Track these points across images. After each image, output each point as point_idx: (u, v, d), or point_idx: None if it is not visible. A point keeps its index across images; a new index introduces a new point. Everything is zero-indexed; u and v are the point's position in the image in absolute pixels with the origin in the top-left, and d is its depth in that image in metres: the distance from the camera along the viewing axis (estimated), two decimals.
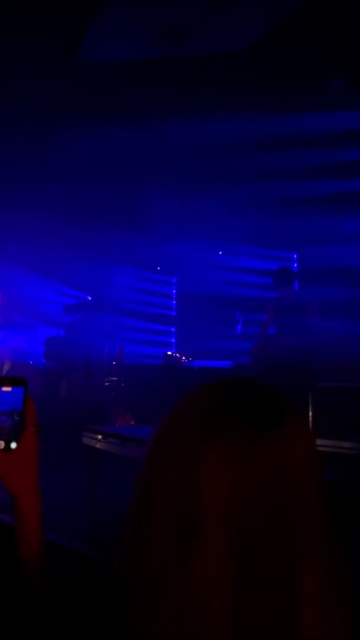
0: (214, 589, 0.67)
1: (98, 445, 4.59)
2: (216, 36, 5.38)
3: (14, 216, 7.50)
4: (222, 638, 0.66)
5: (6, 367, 7.92)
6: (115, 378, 7.59)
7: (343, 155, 6.91)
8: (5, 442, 0.98)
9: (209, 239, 8.61)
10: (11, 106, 6.07)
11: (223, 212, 7.81)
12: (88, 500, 4.43)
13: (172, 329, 9.66)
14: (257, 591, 0.67)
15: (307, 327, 5.99)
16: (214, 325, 8.23)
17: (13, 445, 0.98)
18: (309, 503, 0.71)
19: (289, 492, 0.70)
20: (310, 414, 4.83)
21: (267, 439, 0.72)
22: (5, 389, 1.01)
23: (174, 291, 9.82)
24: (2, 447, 0.98)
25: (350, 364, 5.74)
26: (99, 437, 4.60)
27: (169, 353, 8.29)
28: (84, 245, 8.25)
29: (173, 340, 9.61)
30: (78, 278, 8.99)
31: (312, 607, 0.68)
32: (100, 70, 5.81)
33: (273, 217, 7.61)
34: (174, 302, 9.82)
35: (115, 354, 7.89)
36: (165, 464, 0.75)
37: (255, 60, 5.61)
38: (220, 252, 9.01)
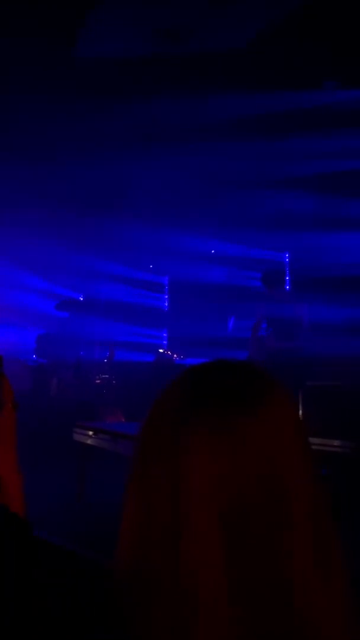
0: (205, 565, 0.67)
1: (89, 442, 4.59)
2: (215, 35, 5.38)
3: (4, 214, 7.47)
4: (216, 617, 0.66)
5: None
6: (107, 375, 7.58)
7: (340, 159, 6.92)
8: None
9: (203, 238, 8.61)
10: (8, 105, 6.05)
11: (218, 213, 7.81)
12: (79, 496, 4.43)
13: (164, 327, 9.66)
14: (248, 564, 0.68)
15: (297, 328, 6.00)
16: (206, 323, 8.23)
17: None
18: (295, 473, 0.71)
19: (273, 464, 0.70)
20: (301, 412, 4.85)
21: (247, 414, 0.72)
22: None
23: (166, 289, 9.82)
24: None
25: (340, 364, 5.76)
26: (90, 433, 4.60)
27: (161, 351, 8.29)
28: (75, 243, 8.22)
29: (165, 338, 9.61)
30: (69, 276, 8.97)
31: (304, 578, 0.68)
32: (99, 67, 5.79)
33: (266, 217, 7.61)
34: (166, 300, 9.82)
35: (106, 352, 7.88)
36: (151, 447, 0.75)
37: (253, 59, 5.61)
38: (213, 251, 9.02)
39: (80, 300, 9.19)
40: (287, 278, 7.69)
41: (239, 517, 0.68)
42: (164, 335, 9.62)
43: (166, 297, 9.83)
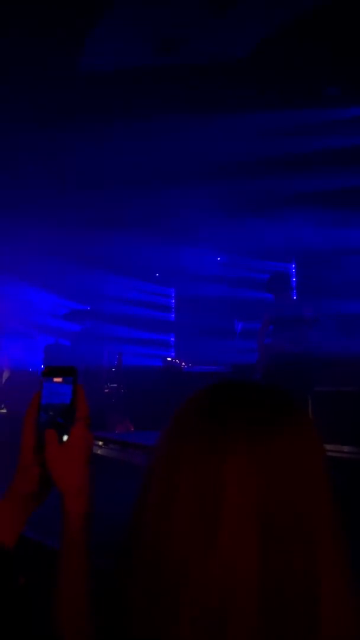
0: (241, 562, 0.69)
1: (99, 452, 4.59)
2: (215, 44, 5.40)
3: (11, 226, 7.51)
4: (246, 614, 0.68)
5: (5, 375, 7.92)
6: (115, 384, 7.59)
7: (343, 163, 6.92)
8: (57, 435, 0.94)
9: (209, 246, 8.62)
10: (11, 116, 6.09)
11: (223, 219, 7.82)
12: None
13: (172, 335, 9.66)
14: (279, 574, 0.70)
15: (304, 333, 5.98)
16: (213, 330, 8.23)
17: (64, 438, 0.94)
18: (322, 493, 0.75)
19: (306, 484, 0.73)
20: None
21: (288, 434, 0.75)
22: (56, 380, 0.98)
23: (173, 298, 9.83)
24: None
25: (349, 369, 5.74)
26: (100, 443, 4.61)
27: (169, 359, 8.29)
28: (81, 254, 8.25)
29: (172, 346, 9.61)
30: (76, 287, 9.00)
31: (331, 593, 0.71)
32: (101, 77, 5.82)
33: (272, 225, 7.61)
34: (173, 308, 9.83)
35: (114, 360, 7.89)
36: (185, 458, 0.75)
37: (254, 66, 5.62)
38: (219, 258, 9.03)
39: (88, 311, 9.21)
40: (294, 286, 7.69)
41: (275, 524, 0.71)
42: (172, 344, 9.62)
43: (173, 304, 9.84)
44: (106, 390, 7.52)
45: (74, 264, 8.35)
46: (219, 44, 5.39)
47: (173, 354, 9.33)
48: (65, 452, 0.94)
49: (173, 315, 9.81)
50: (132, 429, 6.48)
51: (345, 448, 4.38)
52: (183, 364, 7.80)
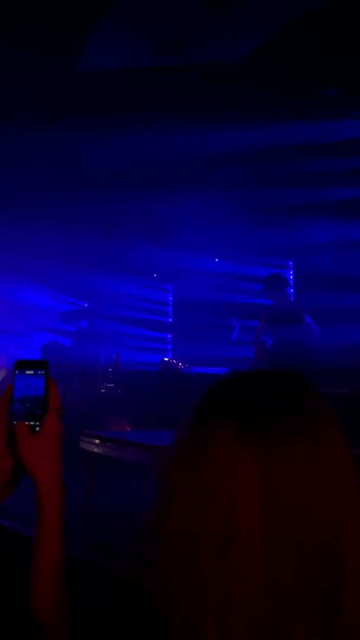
0: (246, 579, 0.67)
1: (96, 450, 4.60)
2: (213, 47, 5.40)
3: (8, 225, 7.51)
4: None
5: (1, 375, 7.92)
6: (112, 384, 7.59)
7: (341, 164, 6.93)
8: (29, 425, 0.98)
9: (206, 247, 8.62)
10: (8, 118, 6.09)
11: (220, 219, 7.83)
12: (86, 503, 4.44)
13: (169, 336, 9.66)
14: (289, 589, 0.66)
15: (299, 334, 5.98)
16: (210, 331, 8.23)
17: (36, 428, 0.98)
18: (349, 506, 0.70)
19: (326, 489, 0.70)
20: None
21: (304, 434, 0.72)
22: (28, 372, 1.02)
23: (171, 298, 9.82)
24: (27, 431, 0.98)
25: (347, 370, 5.75)
26: (96, 441, 4.61)
27: (166, 359, 8.29)
28: (79, 253, 8.26)
29: (169, 346, 9.60)
30: (74, 286, 9.00)
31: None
32: (100, 78, 5.83)
33: (269, 225, 7.63)
34: (170, 309, 9.82)
35: (111, 361, 7.89)
36: (202, 460, 0.72)
37: (252, 70, 5.63)
38: (217, 259, 9.03)
39: (85, 310, 9.20)
40: (291, 287, 7.71)
41: (283, 538, 0.67)
42: (169, 344, 9.62)
43: (170, 305, 9.83)
44: (103, 390, 7.53)
45: (71, 263, 8.36)
46: (218, 46, 5.40)
47: (170, 354, 9.32)
48: (39, 443, 0.96)
49: (170, 316, 9.80)
50: (129, 429, 6.48)
51: None
52: (180, 364, 7.80)
